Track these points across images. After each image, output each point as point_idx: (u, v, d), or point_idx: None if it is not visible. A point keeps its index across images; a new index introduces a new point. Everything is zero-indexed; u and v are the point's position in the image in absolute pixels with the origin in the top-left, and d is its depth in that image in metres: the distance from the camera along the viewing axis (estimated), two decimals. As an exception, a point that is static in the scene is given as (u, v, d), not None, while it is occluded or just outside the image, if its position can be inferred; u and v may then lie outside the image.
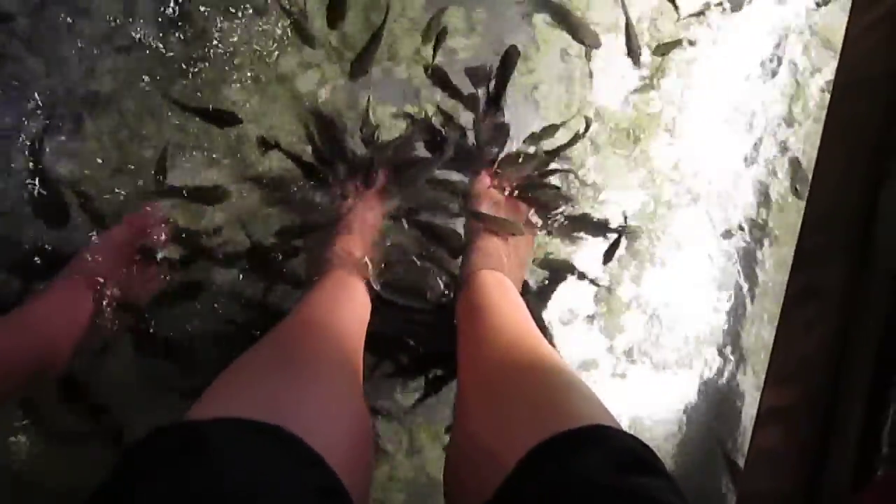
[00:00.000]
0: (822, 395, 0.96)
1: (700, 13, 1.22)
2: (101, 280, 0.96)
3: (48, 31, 1.08)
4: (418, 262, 1.07)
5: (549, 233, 1.13)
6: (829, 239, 1.09)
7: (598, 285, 1.15)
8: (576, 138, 1.14)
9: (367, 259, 0.98)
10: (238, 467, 0.44)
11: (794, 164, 1.22)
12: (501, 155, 1.10)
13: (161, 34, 1.09)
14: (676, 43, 1.21)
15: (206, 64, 1.10)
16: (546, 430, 0.52)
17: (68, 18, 1.08)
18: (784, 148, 1.23)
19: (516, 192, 1.08)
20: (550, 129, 1.14)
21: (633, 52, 1.19)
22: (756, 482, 1.09)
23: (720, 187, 1.22)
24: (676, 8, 1.21)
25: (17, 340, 0.82)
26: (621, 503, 0.44)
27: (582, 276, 1.15)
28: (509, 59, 1.13)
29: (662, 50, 1.20)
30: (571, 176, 1.15)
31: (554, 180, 1.13)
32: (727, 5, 1.23)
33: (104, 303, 0.96)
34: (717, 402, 1.18)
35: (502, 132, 1.11)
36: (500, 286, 0.91)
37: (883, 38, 1.11)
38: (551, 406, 0.58)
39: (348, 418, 0.60)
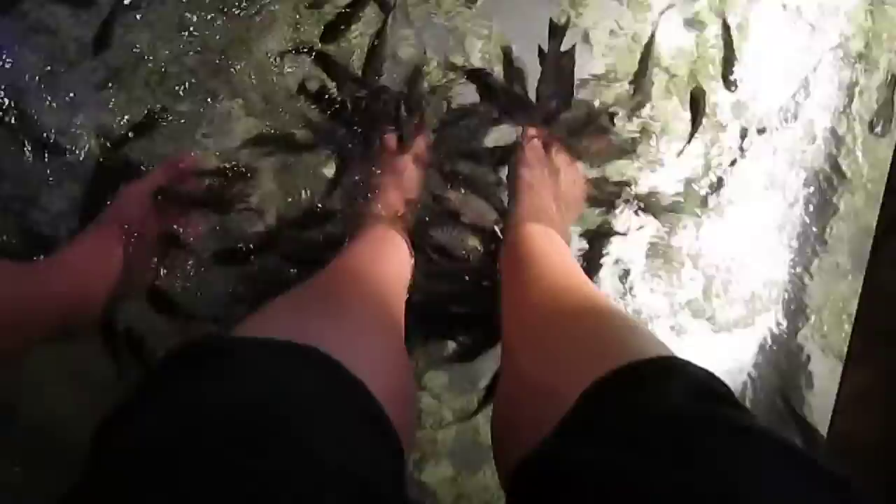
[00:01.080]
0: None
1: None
2: (134, 227, 0.94)
3: None
4: (461, 218, 1.01)
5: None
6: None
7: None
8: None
9: (408, 214, 0.94)
10: (262, 380, 0.40)
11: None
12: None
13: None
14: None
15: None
16: (612, 363, 0.46)
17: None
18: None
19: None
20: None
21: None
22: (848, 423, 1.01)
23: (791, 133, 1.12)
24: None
25: (49, 287, 0.81)
26: (715, 429, 0.38)
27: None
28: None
29: None
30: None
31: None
32: None
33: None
34: (781, 360, 1.10)
35: (567, 86, 1.05)
36: (546, 236, 0.85)
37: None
38: (613, 341, 0.53)
39: (391, 353, 0.57)
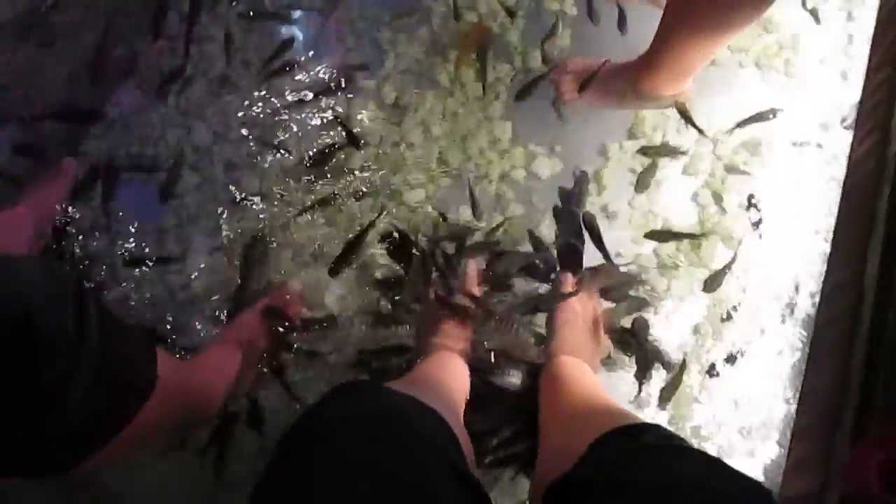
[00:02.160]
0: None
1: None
2: (248, 342, 1.19)
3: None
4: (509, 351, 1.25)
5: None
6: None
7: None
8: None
9: (467, 347, 1.19)
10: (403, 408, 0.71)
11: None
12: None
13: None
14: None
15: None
16: (609, 427, 0.76)
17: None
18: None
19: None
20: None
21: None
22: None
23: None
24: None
25: (184, 387, 0.97)
26: (688, 456, 0.66)
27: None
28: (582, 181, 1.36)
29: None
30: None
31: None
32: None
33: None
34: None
35: (576, 252, 1.31)
36: (578, 366, 1.11)
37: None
38: (613, 417, 0.83)
39: (454, 415, 0.86)
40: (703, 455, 0.68)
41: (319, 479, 0.59)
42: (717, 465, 0.64)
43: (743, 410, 1.30)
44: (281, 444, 0.67)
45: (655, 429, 0.78)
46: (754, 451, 1.27)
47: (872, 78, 1.19)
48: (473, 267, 1.28)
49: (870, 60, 1.23)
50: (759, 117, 1.38)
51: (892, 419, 0.81)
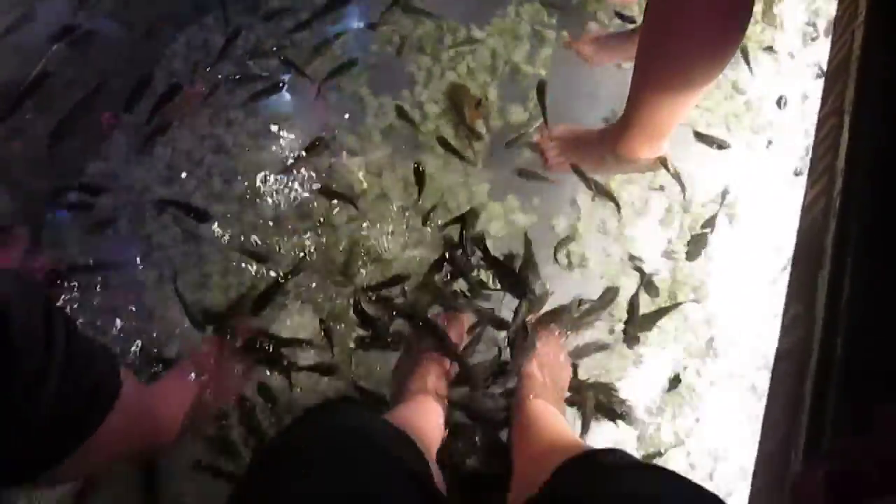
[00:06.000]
0: None
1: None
2: (204, 374, 1.24)
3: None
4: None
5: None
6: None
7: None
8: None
9: (444, 389, 1.23)
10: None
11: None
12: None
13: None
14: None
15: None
16: (570, 455, 0.82)
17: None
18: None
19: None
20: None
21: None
22: None
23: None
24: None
25: (146, 406, 1.01)
26: (647, 473, 0.72)
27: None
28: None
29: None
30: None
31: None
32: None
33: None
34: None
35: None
36: (545, 409, 1.15)
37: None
38: (574, 448, 0.90)
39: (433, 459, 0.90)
40: (662, 471, 0.70)
41: (285, 498, 0.62)
42: (675, 479, 0.67)
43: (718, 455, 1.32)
44: (251, 464, 0.70)
45: (617, 452, 0.81)
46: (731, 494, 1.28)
47: (821, 129, 1.26)
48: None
49: (820, 111, 1.30)
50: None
51: (839, 437, 0.83)
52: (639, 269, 1.42)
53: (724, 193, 1.48)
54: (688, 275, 1.43)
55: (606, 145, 1.34)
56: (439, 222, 1.46)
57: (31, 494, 1.23)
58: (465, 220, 1.42)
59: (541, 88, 1.54)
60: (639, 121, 1.20)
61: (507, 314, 1.36)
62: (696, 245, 1.44)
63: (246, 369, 1.33)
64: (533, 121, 1.55)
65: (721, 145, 1.51)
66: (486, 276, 1.41)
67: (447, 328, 1.31)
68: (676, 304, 1.39)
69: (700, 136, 1.52)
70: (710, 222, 1.46)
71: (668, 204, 1.49)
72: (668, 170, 1.36)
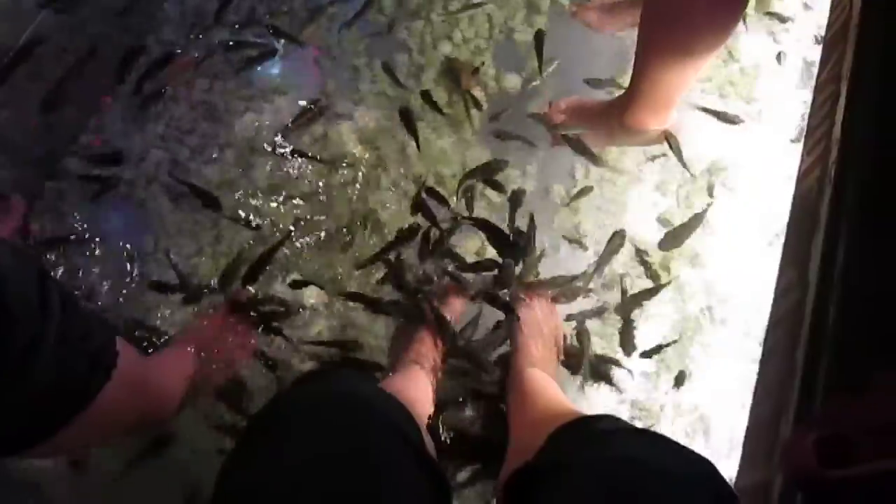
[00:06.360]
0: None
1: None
2: (203, 347, 1.24)
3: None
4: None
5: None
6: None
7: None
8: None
9: (437, 366, 1.24)
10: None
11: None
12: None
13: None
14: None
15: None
16: (564, 421, 0.83)
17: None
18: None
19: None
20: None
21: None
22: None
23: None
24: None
25: (143, 377, 1.00)
26: (638, 437, 0.74)
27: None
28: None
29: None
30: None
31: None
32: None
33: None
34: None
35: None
36: (542, 378, 1.16)
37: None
38: (568, 414, 0.91)
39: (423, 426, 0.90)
40: (653, 436, 0.72)
41: (278, 465, 0.63)
42: (665, 443, 0.68)
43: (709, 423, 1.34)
44: (247, 428, 0.71)
45: (609, 417, 0.83)
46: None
47: (818, 96, 1.25)
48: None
49: (818, 78, 1.30)
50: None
51: (830, 402, 0.84)
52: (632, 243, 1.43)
53: (719, 161, 1.48)
54: (684, 245, 1.43)
55: (614, 117, 1.34)
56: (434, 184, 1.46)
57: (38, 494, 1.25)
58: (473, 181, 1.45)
59: (539, 38, 1.54)
60: (644, 91, 1.20)
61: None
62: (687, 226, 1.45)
63: (246, 339, 1.33)
64: (528, 84, 1.56)
65: (733, 121, 1.51)
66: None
67: (443, 303, 1.32)
68: (662, 285, 1.40)
69: (713, 113, 1.52)
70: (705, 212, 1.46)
71: (663, 176, 1.49)
72: (671, 146, 1.36)
